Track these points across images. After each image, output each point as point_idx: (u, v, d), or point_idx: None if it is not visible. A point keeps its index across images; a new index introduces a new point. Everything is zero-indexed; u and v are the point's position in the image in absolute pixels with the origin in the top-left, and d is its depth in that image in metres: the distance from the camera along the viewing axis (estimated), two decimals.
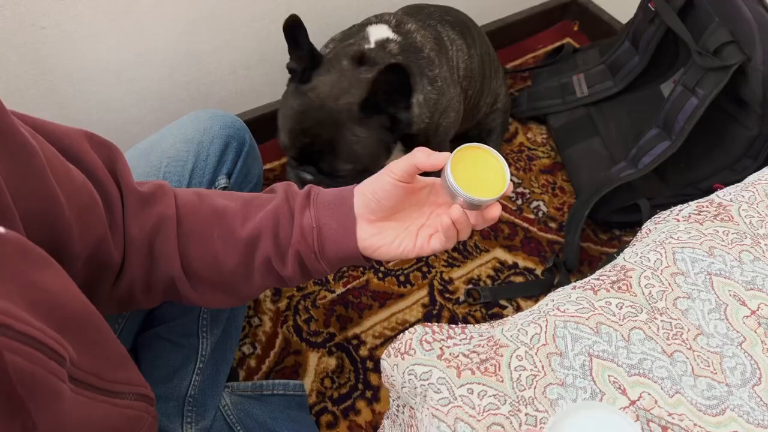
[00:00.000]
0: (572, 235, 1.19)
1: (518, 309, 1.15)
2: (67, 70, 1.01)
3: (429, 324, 0.58)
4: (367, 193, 0.59)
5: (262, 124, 1.31)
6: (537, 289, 1.17)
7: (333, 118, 0.88)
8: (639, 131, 1.26)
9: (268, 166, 1.32)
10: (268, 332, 1.09)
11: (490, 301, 1.15)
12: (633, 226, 1.28)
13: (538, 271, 1.21)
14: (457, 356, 0.55)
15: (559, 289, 0.64)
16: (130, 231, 0.58)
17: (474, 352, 0.56)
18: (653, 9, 1.22)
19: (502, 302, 1.15)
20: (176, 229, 0.60)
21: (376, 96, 0.87)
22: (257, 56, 1.20)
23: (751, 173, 1.13)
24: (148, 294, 0.62)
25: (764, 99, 1.03)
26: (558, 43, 1.64)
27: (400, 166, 0.56)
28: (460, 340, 0.58)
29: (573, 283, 0.64)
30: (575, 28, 1.67)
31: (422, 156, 0.55)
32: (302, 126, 0.90)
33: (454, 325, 0.60)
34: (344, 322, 1.11)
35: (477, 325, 0.61)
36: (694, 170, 1.20)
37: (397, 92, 0.87)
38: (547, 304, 0.60)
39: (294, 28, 0.88)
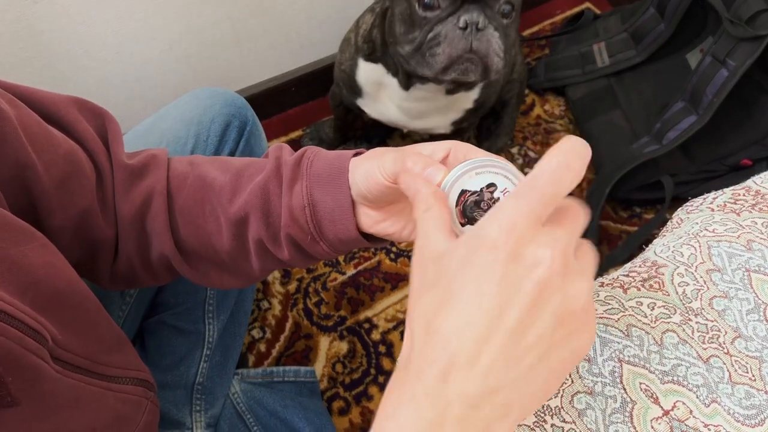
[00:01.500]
0: (592, 214, 1.15)
1: None
2: (64, 46, 0.96)
3: None
4: (359, 181, 0.48)
5: (268, 97, 1.27)
6: None
7: None
8: (663, 104, 1.20)
9: (274, 142, 1.28)
10: (277, 316, 1.06)
11: None
12: (654, 204, 1.23)
13: None
14: None
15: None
16: (120, 207, 0.54)
17: None
18: None
19: None
20: (166, 205, 0.54)
21: None
22: (261, 28, 1.15)
23: None
24: (150, 271, 0.58)
25: None
26: (577, 9, 1.56)
27: (387, 165, 0.44)
28: None
29: (600, 279, 0.60)
30: None
31: (415, 164, 0.41)
32: None
33: None
34: (356, 304, 1.08)
35: None
36: (721, 145, 1.14)
37: None
38: None
39: None
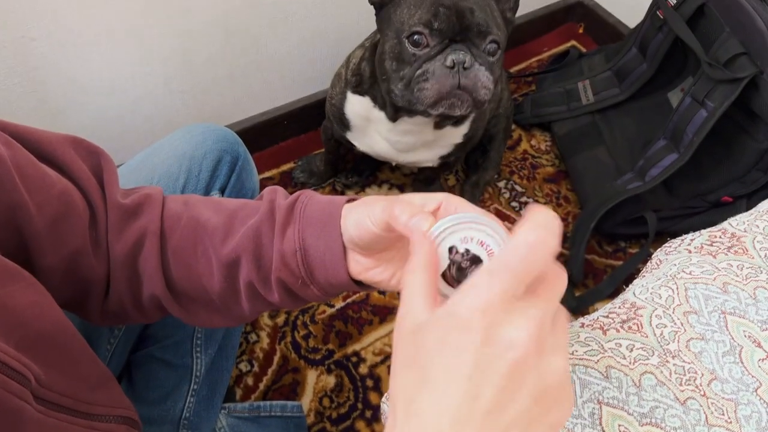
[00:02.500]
0: (577, 248, 1.17)
1: None
2: (59, 82, 0.98)
3: None
4: (350, 228, 0.48)
5: (260, 130, 1.29)
6: None
7: None
8: (646, 140, 1.23)
9: (266, 174, 1.30)
10: (265, 349, 1.07)
11: None
12: (639, 238, 1.26)
13: None
14: None
15: (567, 325, 0.61)
16: (113, 247, 0.54)
17: None
18: (661, 17, 1.18)
19: None
20: (159, 245, 0.54)
21: None
22: (254, 64, 1.17)
23: (760, 186, 1.12)
24: (141, 310, 0.58)
25: None
26: (563, 46, 1.61)
27: (376, 213, 0.44)
28: None
29: (581, 320, 0.62)
30: (580, 31, 1.64)
31: (402, 212, 0.41)
32: (454, 2, 0.79)
33: None
34: (344, 338, 1.09)
35: None
36: (703, 182, 1.17)
37: None
38: None
39: None
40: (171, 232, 0.55)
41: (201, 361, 0.84)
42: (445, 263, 0.39)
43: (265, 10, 1.09)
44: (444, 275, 0.39)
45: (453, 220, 0.39)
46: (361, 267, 0.50)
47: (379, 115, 0.96)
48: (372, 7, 0.88)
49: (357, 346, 1.08)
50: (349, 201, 0.50)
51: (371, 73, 0.92)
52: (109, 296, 0.57)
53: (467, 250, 0.39)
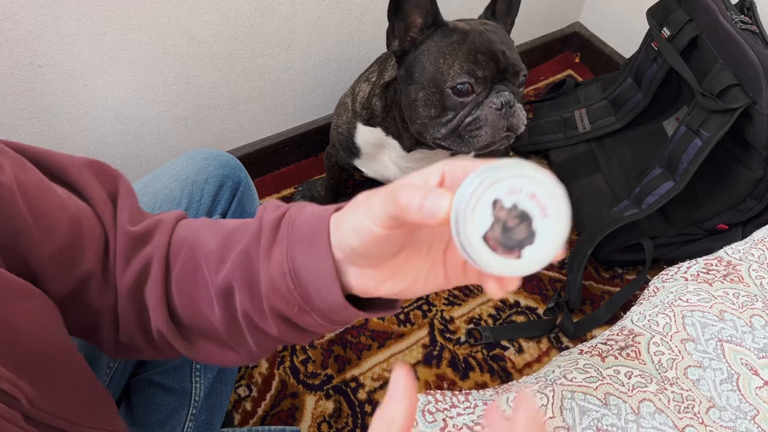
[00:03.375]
0: (574, 275, 1.18)
1: (520, 350, 1.13)
2: (65, 108, 1.00)
3: (431, 392, 0.57)
4: (348, 238, 0.40)
5: (261, 156, 1.30)
6: (539, 330, 1.15)
7: (497, 29, 0.86)
8: (642, 168, 1.25)
9: (267, 199, 1.31)
10: (264, 374, 1.07)
11: (492, 342, 1.13)
12: (636, 265, 1.27)
13: (540, 311, 1.19)
14: (461, 429, 0.53)
15: (565, 352, 0.62)
16: (119, 278, 0.51)
17: (478, 424, 0.54)
18: (656, 48, 1.21)
19: (504, 343, 1.13)
20: (163, 274, 0.50)
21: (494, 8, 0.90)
22: (257, 91, 1.19)
23: (755, 214, 1.13)
24: (153, 345, 0.54)
25: None
26: (560, 75, 1.63)
27: (376, 210, 0.36)
28: (464, 409, 0.56)
29: (580, 346, 0.62)
30: (576, 60, 1.67)
31: (410, 199, 0.34)
32: (488, 47, 0.82)
33: (457, 392, 0.58)
34: (342, 363, 1.09)
35: (481, 392, 0.59)
36: (698, 209, 1.18)
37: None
38: (553, 371, 0.59)
39: None
40: (175, 259, 0.51)
41: (200, 385, 0.84)
42: (486, 222, 0.31)
43: (269, 38, 1.11)
44: (486, 238, 0.32)
45: (487, 171, 0.31)
46: (374, 281, 0.42)
47: (393, 143, 0.98)
48: (378, 43, 0.91)
49: (356, 372, 1.08)
50: (337, 209, 0.43)
51: (383, 108, 0.95)
52: (119, 328, 0.54)
53: (514, 205, 0.32)
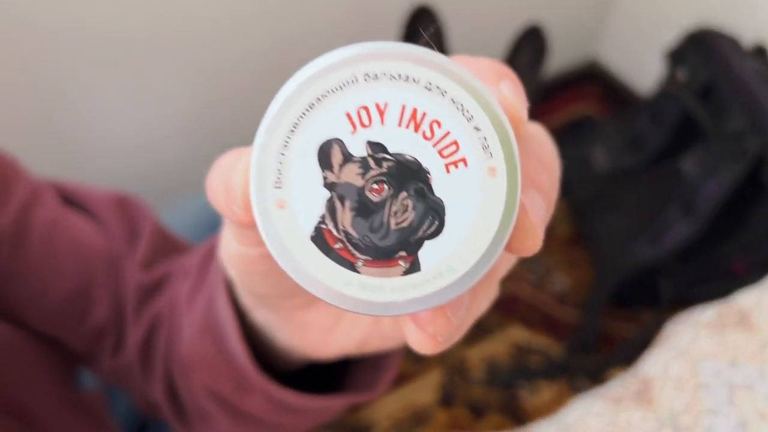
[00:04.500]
0: (591, 315, 1.19)
1: (535, 391, 1.14)
2: (85, 143, 1.04)
3: None
4: (234, 279, 0.27)
5: None
6: (556, 370, 1.16)
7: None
8: (659, 207, 1.27)
9: None
10: None
11: (507, 382, 1.14)
12: (652, 303, 1.27)
13: (557, 350, 1.20)
14: None
15: (581, 395, 0.64)
16: (129, 337, 0.43)
17: None
18: (672, 90, 1.24)
19: (520, 383, 1.15)
20: (166, 339, 0.39)
21: (512, 62, 0.86)
22: None
23: None
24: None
25: None
26: (575, 108, 1.66)
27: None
28: None
29: (595, 390, 0.64)
30: (593, 94, 1.70)
31: (213, 181, 0.22)
32: None
33: None
34: (350, 407, 1.10)
35: None
36: (714, 249, 1.19)
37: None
38: (568, 415, 0.60)
39: (421, 20, 0.74)
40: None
41: None
42: (314, 197, 0.16)
43: (285, 76, 1.15)
44: (322, 233, 0.16)
45: (318, 67, 0.17)
46: (316, 334, 0.29)
47: None
48: None
49: (369, 412, 1.09)
50: None
51: None
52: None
53: (375, 148, 0.16)
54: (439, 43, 0.82)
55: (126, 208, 0.45)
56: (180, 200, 0.86)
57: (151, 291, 0.42)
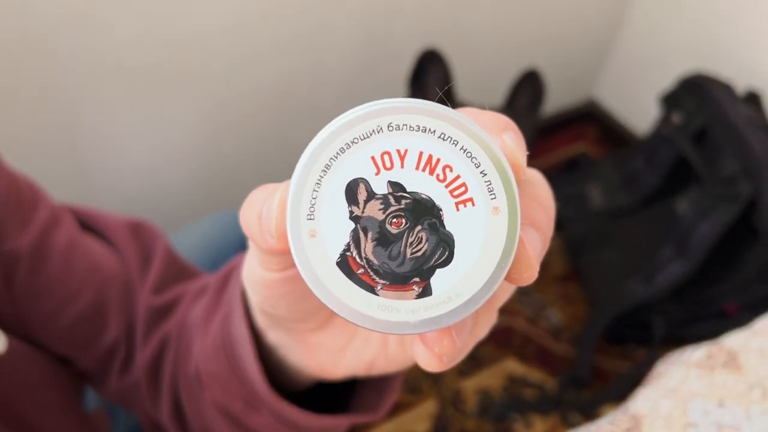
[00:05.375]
0: (584, 351, 1.20)
1: (528, 425, 1.14)
2: (99, 167, 1.07)
3: None
4: (249, 293, 0.30)
5: None
6: (548, 405, 1.16)
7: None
8: (653, 246, 1.29)
9: None
10: None
11: (501, 415, 1.15)
12: (645, 341, 1.29)
13: (551, 385, 1.21)
14: None
15: (571, 431, 0.65)
16: (139, 356, 0.44)
17: None
18: (667, 133, 1.27)
19: (513, 416, 1.15)
20: (173, 361, 0.41)
21: (511, 104, 0.92)
22: (278, 154, 1.26)
23: (763, 296, 1.16)
24: None
25: None
26: (573, 147, 1.70)
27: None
28: None
29: (586, 427, 0.65)
30: (590, 133, 1.74)
31: (247, 213, 0.23)
32: None
33: None
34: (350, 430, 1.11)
35: None
36: (707, 290, 1.21)
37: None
38: None
39: (431, 62, 0.82)
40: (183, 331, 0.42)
41: None
42: (341, 229, 0.19)
43: (293, 105, 1.19)
44: (347, 260, 0.19)
45: (344, 121, 0.19)
46: (327, 355, 0.31)
47: None
48: None
49: None
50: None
51: None
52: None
53: (396, 187, 0.19)
54: (446, 82, 0.87)
55: (140, 233, 0.47)
56: (187, 223, 0.88)
57: (161, 314, 0.44)
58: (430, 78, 0.89)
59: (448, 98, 0.91)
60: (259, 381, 0.32)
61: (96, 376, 0.46)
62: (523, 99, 0.92)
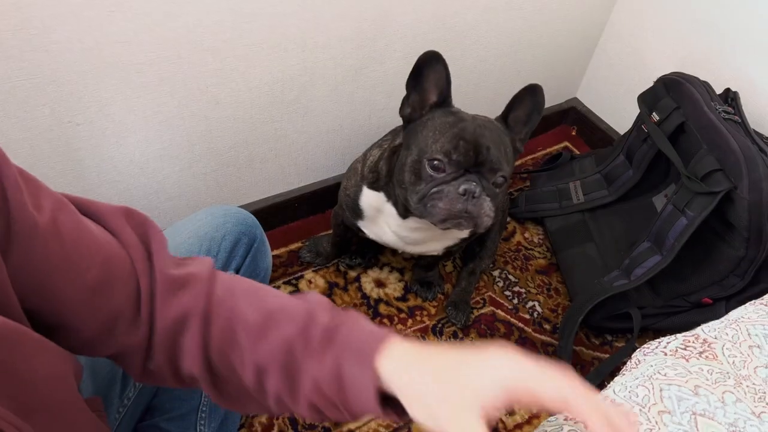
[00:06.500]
0: (565, 340, 1.23)
1: (511, 411, 1.17)
2: (95, 162, 1.07)
3: None
4: (397, 385, 0.47)
5: (272, 211, 1.37)
6: None
7: (496, 129, 0.92)
8: (632, 241, 1.32)
9: (275, 252, 1.37)
10: (264, 423, 1.10)
11: None
12: (625, 333, 1.32)
13: None
14: None
15: (551, 418, 0.67)
16: (158, 316, 0.54)
17: None
18: (646, 130, 1.30)
19: None
20: (202, 328, 0.54)
21: (509, 114, 0.96)
22: (273, 152, 1.27)
23: (738, 290, 1.19)
24: (180, 381, 0.58)
25: (750, 225, 1.09)
26: (557, 147, 1.73)
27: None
28: None
29: (565, 414, 0.67)
30: (573, 133, 1.77)
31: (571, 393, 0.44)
32: (474, 138, 0.88)
33: None
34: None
35: None
36: (684, 283, 1.25)
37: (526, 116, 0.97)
38: None
39: (431, 64, 0.90)
40: (215, 317, 0.55)
41: None
42: None
43: (288, 105, 1.20)
44: None
45: None
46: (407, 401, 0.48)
47: (391, 210, 1.04)
48: (398, 115, 0.98)
49: (352, 425, 1.12)
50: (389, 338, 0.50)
51: (387, 172, 1.02)
52: (150, 359, 0.56)
53: None
54: (445, 83, 0.93)
55: (132, 217, 0.55)
56: (181, 216, 0.89)
57: (179, 286, 0.54)
58: (430, 79, 0.92)
59: (445, 99, 0.94)
60: (376, 408, 0.48)
61: (98, 341, 0.52)
62: (522, 109, 0.96)
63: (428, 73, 0.92)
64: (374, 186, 1.06)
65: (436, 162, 0.89)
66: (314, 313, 0.53)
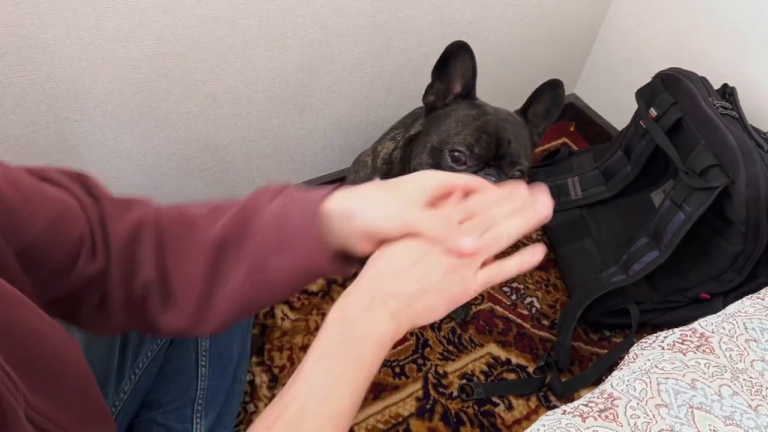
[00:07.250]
0: (564, 336, 1.23)
1: (510, 407, 1.17)
2: (93, 158, 1.07)
3: None
4: (348, 239, 0.54)
5: None
6: (529, 388, 1.20)
7: (518, 123, 0.93)
8: (630, 236, 1.32)
9: None
10: None
11: (483, 398, 1.17)
12: (623, 328, 1.32)
13: (531, 369, 1.24)
14: None
15: (550, 412, 0.67)
16: (111, 239, 0.56)
17: None
18: (644, 126, 1.30)
19: (495, 399, 1.18)
20: (155, 233, 0.57)
21: (529, 108, 0.97)
22: (271, 148, 1.27)
23: (735, 285, 1.20)
24: (128, 307, 0.58)
25: (747, 220, 1.09)
26: (555, 142, 1.72)
27: (394, 216, 0.55)
28: None
29: (563, 407, 0.68)
30: (571, 129, 1.76)
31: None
32: (496, 131, 0.89)
33: None
34: None
35: None
36: (682, 278, 1.25)
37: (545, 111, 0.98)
38: (538, 430, 0.64)
39: (459, 54, 0.91)
40: (167, 223, 0.58)
41: (200, 426, 0.88)
42: None
43: (286, 102, 1.20)
44: None
45: None
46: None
47: None
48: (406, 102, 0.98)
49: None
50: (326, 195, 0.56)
51: (401, 160, 1.02)
52: (109, 292, 0.58)
53: None
54: (471, 75, 0.94)
55: (80, 176, 0.59)
56: None
57: (125, 208, 0.58)
58: (457, 69, 0.94)
59: (470, 91, 0.95)
60: (316, 237, 0.53)
61: (68, 271, 0.55)
62: (542, 104, 0.97)
63: (455, 63, 0.93)
64: (387, 178, 1.06)
65: (457, 153, 0.89)
66: (262, 188, 0.58)
